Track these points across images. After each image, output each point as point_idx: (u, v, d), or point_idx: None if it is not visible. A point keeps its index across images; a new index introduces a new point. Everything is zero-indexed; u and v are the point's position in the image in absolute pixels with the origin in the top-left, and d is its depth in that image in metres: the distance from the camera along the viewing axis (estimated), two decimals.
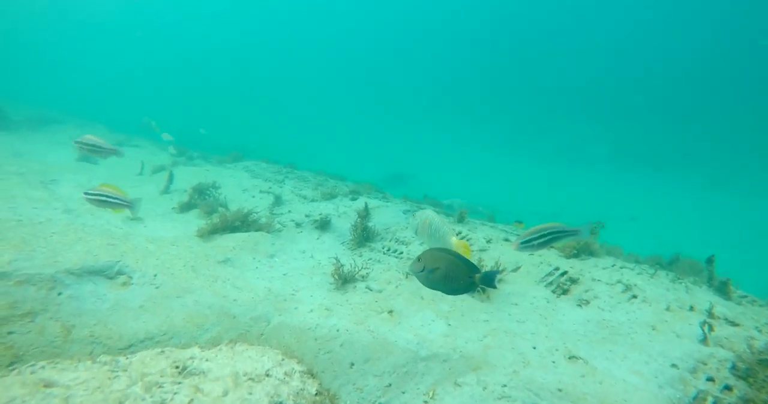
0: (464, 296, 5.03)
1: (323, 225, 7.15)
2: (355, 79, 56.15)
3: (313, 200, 8.57)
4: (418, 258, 2.98)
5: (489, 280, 2.92)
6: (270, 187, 9.30)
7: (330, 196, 8.62)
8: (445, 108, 49.28)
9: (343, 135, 41.51)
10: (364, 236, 6.62)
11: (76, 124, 16.88)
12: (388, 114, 49.74)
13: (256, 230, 6.66)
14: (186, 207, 7.90)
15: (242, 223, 6.60)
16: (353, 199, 8.66)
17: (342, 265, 5.23)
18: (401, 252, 6.23)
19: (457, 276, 2.90)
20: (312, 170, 11.84)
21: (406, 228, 7.02)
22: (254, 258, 5.83)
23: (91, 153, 6.00)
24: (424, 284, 3.01)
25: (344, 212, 7.78)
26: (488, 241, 6.35)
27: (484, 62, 48.92)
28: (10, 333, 3.82)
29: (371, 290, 5.09)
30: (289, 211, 7.82)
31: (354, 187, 9.41)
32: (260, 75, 56.29)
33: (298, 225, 7.15)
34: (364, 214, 6.71)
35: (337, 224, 7.25)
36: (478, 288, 3.05)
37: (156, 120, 15.82)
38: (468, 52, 49.97)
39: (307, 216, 7.51)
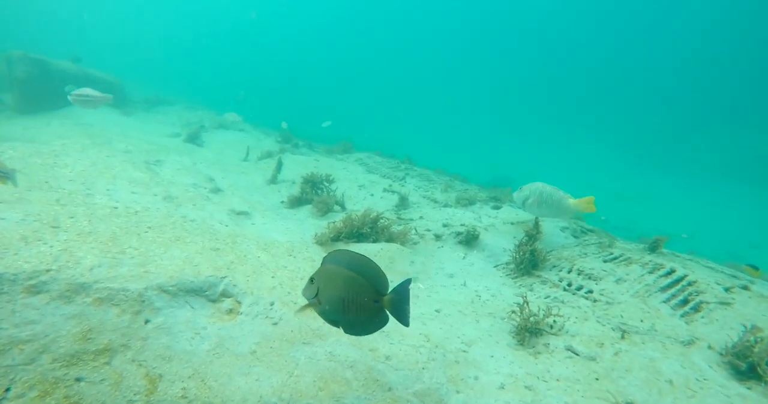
0: (731, 377, 3.13)
1: (469, 240, 5.52)
2: (464, 79, 53.52)
3: (446, 205, 6.97)
4: (311, 279, 2.04)
5: (400, 307, 1.94)
6: (391, 185, 7.85)
7: (468, 202, 6.96)
8: (554, 109, 45.61)
9: (446, 132, 39.61)
10: (530, 261, 4.88)
11: (185, 106, 16.80)
12: (492, 114, 47.01)
13: (387, 240, 5.18)
14: (297, 202, 6.67)
15: (371, 230, 5.15)
16: (495, 208, 6.92)
17: (532, 314, 3.57)
18: (590, 291, 4.40)
19: (360, 301, 1.92)
20: (430, 168, 10.28)
21: (586, 255, 5.17)
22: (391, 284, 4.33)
23: (84, 104, 6.38)
24: (322, 318, 2.05)
25: (491, 224, 6.08)
26: (727, 290, 4.31)
27: (606, 58, 44.38)
28: (78, 379, 2.59)
29: (577, 355, 3.35)
30: (421, 218, 6.27)
31: (492, 193, 7.67)
32: (368, 68, 55.60)
33: (437, 237, 5.57)
34: (534, 232, 4.96)
35: (486, 240, 5.58)
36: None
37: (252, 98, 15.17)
38: (582, 51, 45.78)
39: (445, 226, 5.91)
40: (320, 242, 4.96)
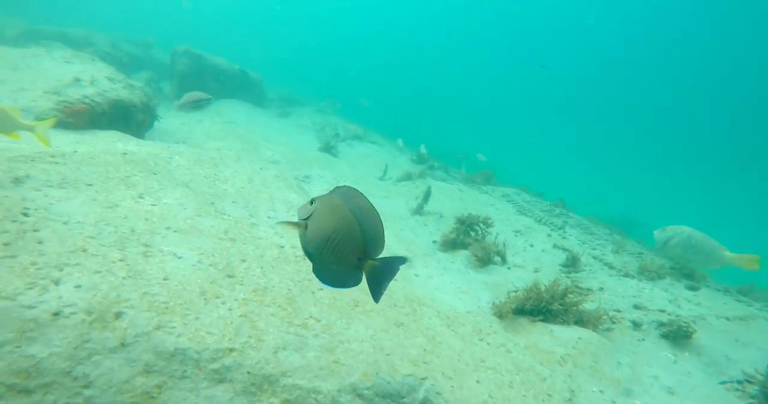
0: None
1: (677, 336, 4.33)
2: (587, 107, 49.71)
3: (626, 275, 5.76)
4: (312, 201, 1.78)
5: (379, 279, 1.71)
6: (550, 235, 6.78)
7: (655, 276, 5.69)
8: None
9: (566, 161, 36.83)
10: None
11: (316, 109, 16.89)
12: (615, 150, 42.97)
13: (576, 321, 4.18)
14: (451, 245, 5.89)
15: (561, 306, 4.18)
16: (691, 289, 5.58)
17: None
18: None
19: (343, 250, 1.67)
20: (577, 212, 8.99)
21: None
22: (604, 398, 3.34)
23: (194, 107, 8.20)
24: (300, 243, 1.80)
25: (699, 316, 4.81)
26: None
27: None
28: None
29: None
30: (601, 289, 5.17)
31: (675, 264, 6.24)
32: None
33: (635, 326, 4.46)
34: None
35: (700, 338, 4.36)
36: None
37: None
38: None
39: (637, 307, 4.77)
40: (499, 314, 4.10)
